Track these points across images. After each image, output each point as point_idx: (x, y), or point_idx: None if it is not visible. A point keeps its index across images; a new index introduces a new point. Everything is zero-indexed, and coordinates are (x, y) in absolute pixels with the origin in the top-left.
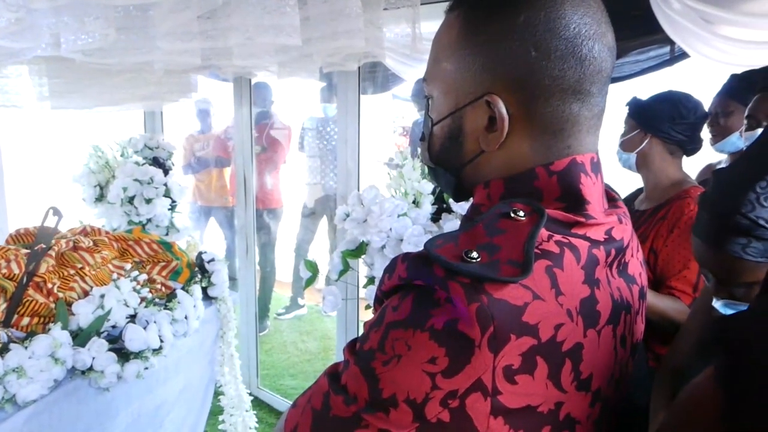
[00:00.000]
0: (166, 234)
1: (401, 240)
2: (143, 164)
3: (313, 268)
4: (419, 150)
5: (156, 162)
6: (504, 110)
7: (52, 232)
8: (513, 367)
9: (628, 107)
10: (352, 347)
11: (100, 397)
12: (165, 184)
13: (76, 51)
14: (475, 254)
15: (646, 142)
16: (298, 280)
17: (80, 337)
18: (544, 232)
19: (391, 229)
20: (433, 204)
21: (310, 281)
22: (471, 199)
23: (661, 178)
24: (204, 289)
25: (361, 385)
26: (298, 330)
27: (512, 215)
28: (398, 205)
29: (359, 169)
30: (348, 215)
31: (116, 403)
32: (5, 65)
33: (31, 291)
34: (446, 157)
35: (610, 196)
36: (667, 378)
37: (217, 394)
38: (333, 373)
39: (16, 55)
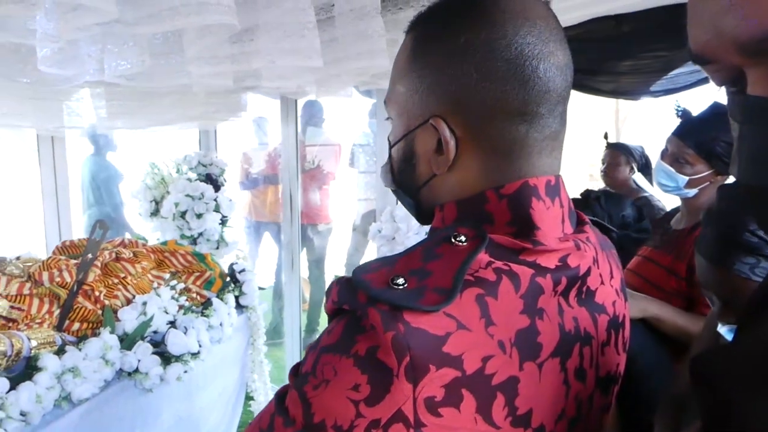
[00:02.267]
0: (217, 248)
1: None
2: (195, 180)
3: None
4: (382, 172)
5: (208, 178)
6: (447, 133)
7: (98, 244)
8: (435, 399)
9: (698, 146)
10: (295, 369)
11: (144, 397)
12: (215, 200)
13: (118, 76)
14: (401, 280)
15: (714, 180)
16: None
17: (126, 341)
18: (483, 259)
19: None
20: None
21: None
22: None
23: (703, 200)
24: (235, 298)
25: (297, 408)
26: None
27: (453, 240)
28: None
29: None
30: (380, 231)
31: (159, 404)
32: (69, 90)
33: (80, 298)
34: (403, 179)
35: (580, 220)
36: (669, 407)
37: (248, 398)
38: (281, 395)
39: (70, 81)
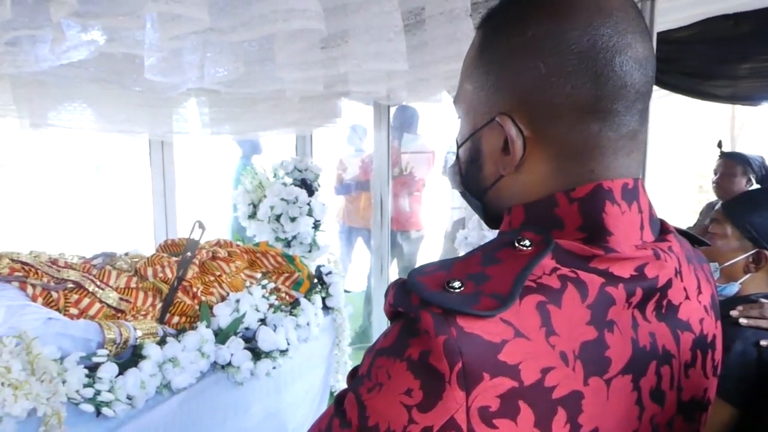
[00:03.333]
0: (309, 251)
1: None
2: (290, 185)
3: None
4: (450, 174)
5: (303, 183)
6: (514, 131)
7: (197, 243)
8: (490, 409)
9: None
10: (353, 372)
11: (236, 390)
12: (309, 204)
13: (217, 83)
14: (457, 284)
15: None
16: None
17: (220, 336)
18: (548, 265)
19: None
20: None
21: None
22: None
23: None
24: (322, 300)
25: (353, 411)
26: None
27: (516, 244)
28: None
29: None
30: (467, 239)
31: (250, 397)
32: (177, 98)
33: (180, 294)
34: (470, 181)
35: (664, 228)
36: None
37: (331, 398)
38: (340, 396)
39: (174, 88)
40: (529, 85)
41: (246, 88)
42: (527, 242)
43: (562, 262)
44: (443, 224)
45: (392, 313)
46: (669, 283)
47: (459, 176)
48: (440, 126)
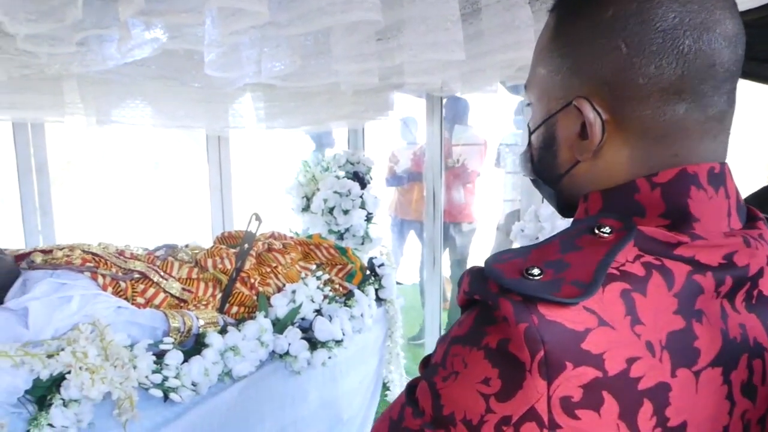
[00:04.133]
0: (362, 243)
1: None
2: (343, 178)
3: None
4: (521, 161)
5: (356, 176)
6: (592, 115)
7: (254, 235)
8: (572, 399)
9: None
10: (426, 361)
11: (293, 379)
12: (361, 197)
13: (273, 77)
14: (536, 271)
15: None
16: None
17: (278, 326)
18: (631, 252)
19: None
20: None
21: None
22: None
23: None
24: (375, 291)
25: (427, 400)
26: None
27: (596, 231)
28: None
29: None
30: (523, 231)
31: (306, 386)
32: (233, 93)
33: (238, 284)
34: (543, 168)
35: (752, 215)
36: None
37: (384, 389)
38: (411, 386)
39: (231, 84)
40: (610, 67)
41: (301, 82)
42: (607, 229)
43: (645, 249)
44: (495, 216)
45: (466, 301)
46: (760, 272)
47: (530, 163)
48: (491, 117)
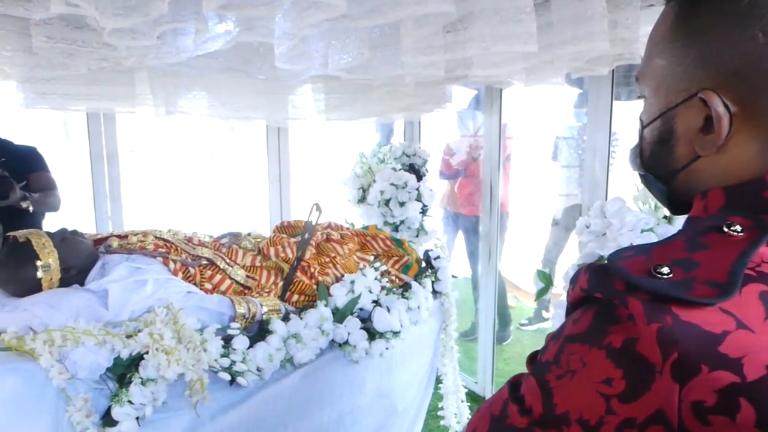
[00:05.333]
0: (417, 236)
1: None
2: (399, 170)
3: (546, 279)
4: (630, 156)
5: (411, 168)
6: (722, 108)
7: (315, 225)
8: (705, 404)
9: None
10: (533, 358)
11: (351, 368)
12: (417, 189)
13: (340, 69)
14: (666, 269)
15: None
16: None
17: (338, 315)
18: (766, 252)
19: (632, 244)
20: None
21: (542, 292)
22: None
23: None
24: (431, 284)
25: (536, 397)
26: (540, 343)
27: (725, 229)
28: (642, 219)
29: (608, 179)
30: (588, 227)
31: (364, 376)
32: (294, 85)
33: (299, 273)
34: (656, 163)
35: None
36: None
37: (437, 381)
38: (514, 382)
39: (298, 75)
40: (743, 58)
41: (367, 74)
42: (738, 227)
43: None
44: (550, 211)
45: (581, 299)
46: None
47: (640, 158)
48: (522, 109)
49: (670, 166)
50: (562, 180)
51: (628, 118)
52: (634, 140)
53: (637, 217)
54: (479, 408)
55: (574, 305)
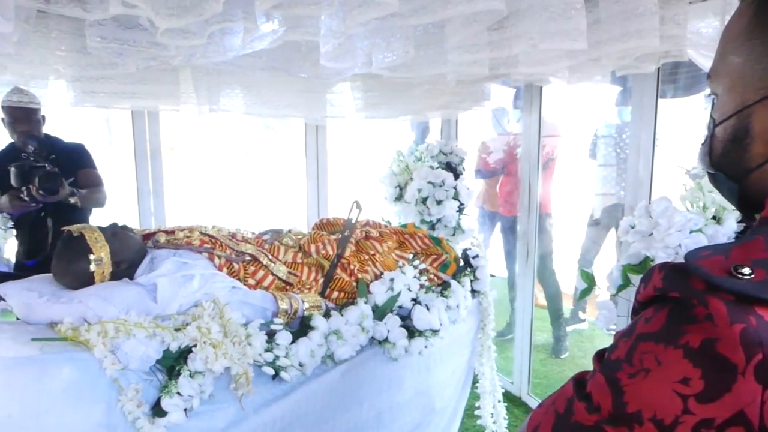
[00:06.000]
0: (453, 234)
1: None
2: (437, 168)
3: (589, 279)
4: (700, 154)
5: (448, 167)
6: None
7: (355, 223)
8: None
9: None
10: (600, 355)
11: (390, 366)
12: (455, 188)
13: (383, 68)
14: (747, 270)
15: None
16: None
17: (378, 312)
18: None
19: (680, 245)
20: (739, 222)
21: (585, 293)
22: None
23: None
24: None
25: (605, 395)
26: (576, 344)
27: None
28: (691, 219)
29: (652, 178)
30: (633, 227)
31: (403, 373)
32: (333, 83)
33: (339, 270)
34: (728, 161)
35: None
36: None
37: (474, 381)
38: (579, 380)
39: (340, 74)
40: None
41: (410, 73)
42: None
43: None
44: (586, 211)
45: (653, 298)
46: None
47: (710, 156)
48: (563, 107)
49: (744, 164)
50: (599, 179)
51: (673, 116)
52: (694, 138)
53: (686, 217)
54: (541, 404)
55: (643, 304)
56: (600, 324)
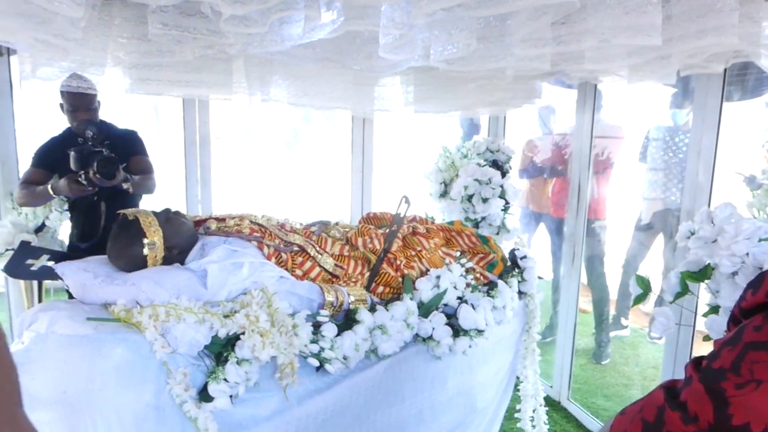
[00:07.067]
0: (497, 233)
1: (760, 268)
2: (484, 165)
3: (645, 285)
4: None
5: (495, 164)
6: None
7: (403, 218)
8: None
9: None
10: (696, 364)
11: (433, 364)
12: (501, 186)
13: (441, 60)
14: None
15: None
16: (624, 298)
17: (423, 309)
18: None
19: (747, 254)
20: None
21: (640, 298)
22: None
23: None
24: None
25: (704, 406)
26: (617, 351)
27: None
28: (761, 227)
29: (712, 184)
30: (693, 233)
31: (445, 372)
32: (383, 76)
33: (385, 265)
34: None
35: None
36: None
37: (516, 383)
38: (670, 388)
39: (395, 67)
40: None
41: (467, 66)
42: None
43: None
44: (632, 214)
45: (760, 305)
46: None
47: None
48: (627, 108)
49: None
50: (648, 183)
51: (738, 120)
52: (752, 143)
53: (755, 224)
54: (624, 411)
55: (748, 311)
56: (656, 331)
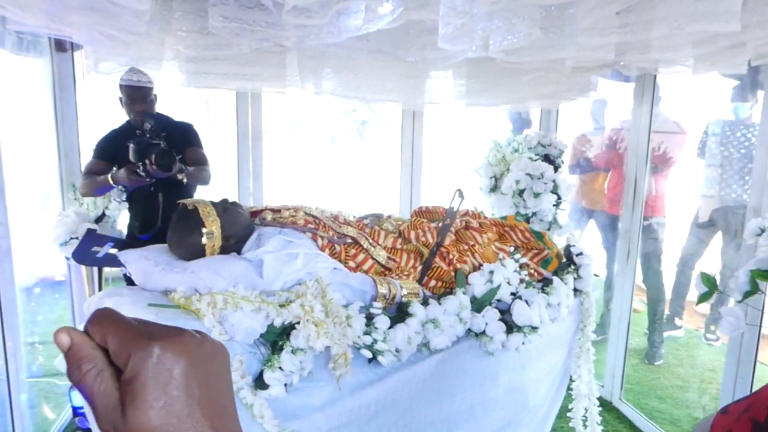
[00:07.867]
0: (548, 229)
1: None
2: (536, 160)
3: (711, 283)
4: None
5: (547, 159)
6: None
7: (456, 212)
8: None
9: None
10: None
11: (485, 359)
12: (554, 181)
13: (500, 51)
14: None
15: None
16: (678, 298)
17: (476, 304)
18: None
19: None
20: None
21: (705, 297)
22: None
23: None
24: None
25: None
26: (671, 352)
27: None
28: None
29: None
30: (763, 230)
31: (497, 368)
32: (435, 68)
33: (437, 259)
34: None
35: None
36: None
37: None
38: None
39: (449, 58)
40: None
41: (527, 57)
42: None
43: None
44: (687, 211)
45: None
46: None
47: None
48: (686, 103)
49: None
50: (706, 179)
51: None
52: None
53: None
54: (726, 410)
55: None
56: (725, 330)
